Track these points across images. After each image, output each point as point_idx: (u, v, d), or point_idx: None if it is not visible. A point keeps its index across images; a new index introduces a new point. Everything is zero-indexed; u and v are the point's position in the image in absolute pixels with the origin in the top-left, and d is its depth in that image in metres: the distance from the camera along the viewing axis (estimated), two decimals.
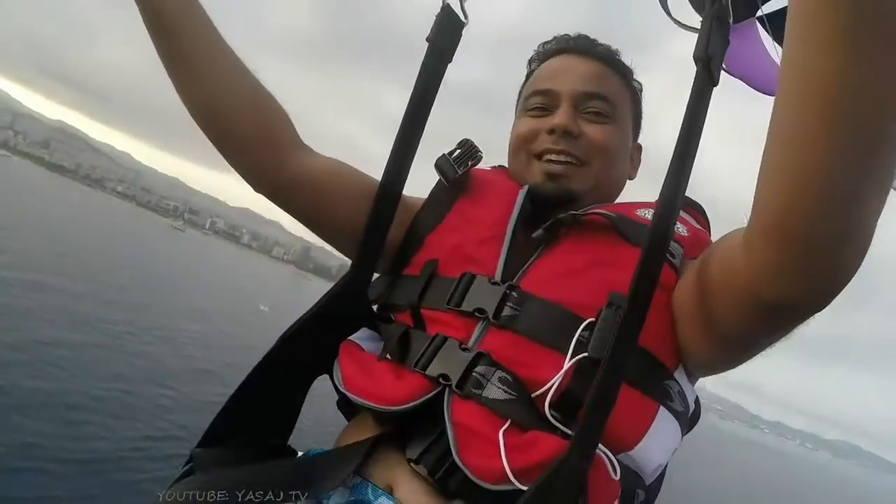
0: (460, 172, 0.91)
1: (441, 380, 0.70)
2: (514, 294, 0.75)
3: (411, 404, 0.69)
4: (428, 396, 0.70)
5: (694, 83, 0.69)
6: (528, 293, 0.75)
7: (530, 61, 1.03)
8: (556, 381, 0.66)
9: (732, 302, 0.63)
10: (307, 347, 0.84)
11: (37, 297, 19.15)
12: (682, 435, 0.77)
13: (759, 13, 1.97)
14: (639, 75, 1.03)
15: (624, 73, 0.99)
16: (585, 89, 0.91)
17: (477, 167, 0.95)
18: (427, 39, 0.93)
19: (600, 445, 0.62)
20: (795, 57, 0.48)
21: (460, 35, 0.95)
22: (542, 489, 0.57)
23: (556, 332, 0.70)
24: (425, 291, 0.81)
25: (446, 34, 0.94)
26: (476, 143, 0.93)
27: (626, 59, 1.00)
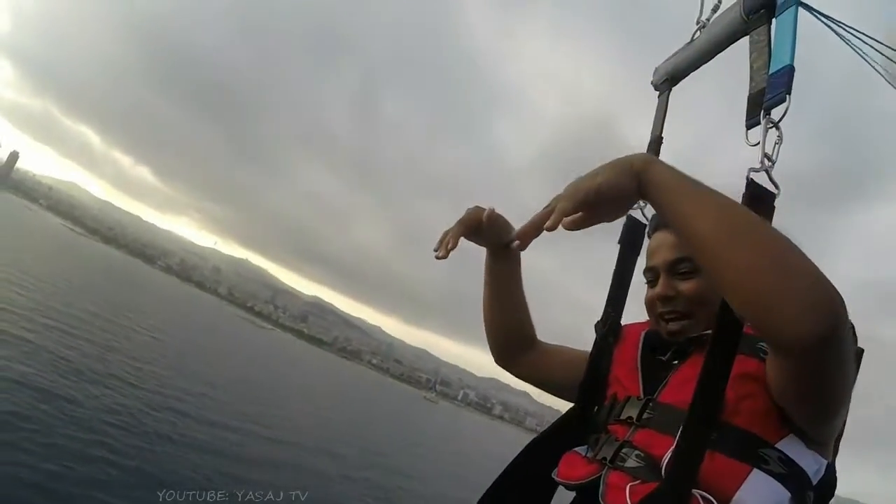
0: (604, 331, 1.31)
1: (602, 461, 1.06)
2: (651, 404, 1.08)
3: (588, 479, 1.06)
4: (596, 475, 1.04)
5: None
6: (660, 402, 1.07)
7: (647, 235, 1.33)
8: (668, 455, 0.94)
9: (776, 360, 0.88)
10: (542, 462, 1.20)
11: (329, 462, 19.46)
12: (797, 495, 0.92)
13: None
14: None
15: None
16: (672, 257, 1.16)
17: (630, 323, 1.32)
18: (619, 242, 1.32)
19: (702, 492, 0.86)
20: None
21: (643, 235, 1.31)
22: None
23: (672, 425, 0.97)
24: (610, 413, 1.17)
25: (632, 237, 1.32)
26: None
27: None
